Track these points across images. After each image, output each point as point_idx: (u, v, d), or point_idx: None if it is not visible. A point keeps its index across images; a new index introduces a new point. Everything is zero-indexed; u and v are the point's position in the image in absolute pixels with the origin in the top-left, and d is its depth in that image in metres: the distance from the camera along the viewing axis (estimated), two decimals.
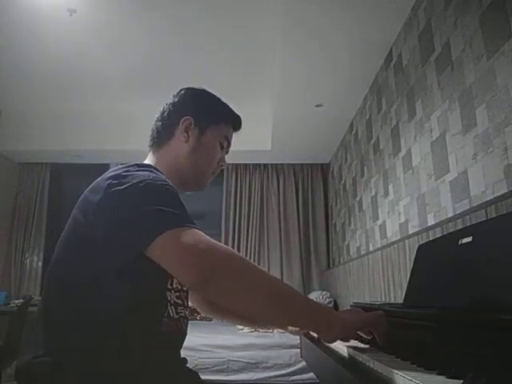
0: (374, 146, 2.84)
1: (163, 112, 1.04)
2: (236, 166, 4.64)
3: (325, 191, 4.62)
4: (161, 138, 1.02)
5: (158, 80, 3.49)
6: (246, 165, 4.64)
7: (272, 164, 4.66)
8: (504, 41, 1.35)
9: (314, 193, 4.63)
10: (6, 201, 4.47)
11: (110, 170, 0.88)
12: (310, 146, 4.17)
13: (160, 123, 1.03)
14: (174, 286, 0.89)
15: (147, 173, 0.83)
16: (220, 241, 4.49)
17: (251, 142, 4.12)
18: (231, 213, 4.52)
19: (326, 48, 2.55)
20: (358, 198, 3.29)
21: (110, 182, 0.81)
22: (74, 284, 0.80)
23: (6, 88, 3.75)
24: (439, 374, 0.56)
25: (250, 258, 4.38)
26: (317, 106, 3.28)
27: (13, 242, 4.41)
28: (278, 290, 0.78)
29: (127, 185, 0.79)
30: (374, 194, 2.85)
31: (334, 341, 0.82)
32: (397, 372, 0.58)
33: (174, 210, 0.78)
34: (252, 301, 0.76)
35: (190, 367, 0.95)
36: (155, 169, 0.88)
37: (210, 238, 0.76)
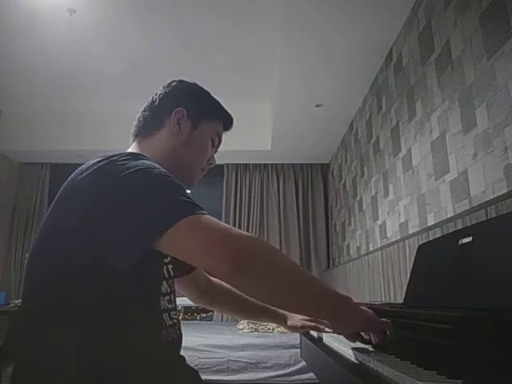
0: (374, 146, 2.84)
1: (152, 101, 0.97)
2: (236, 166, 4.64)
3: (325, 191, 4.62)
4: (148, 127, 0.94)
5: (159, 80, 3.46)
6: (246, 165, 4.64)
7: (272, 164, 4.66)
8: (504, 41, 1.35)
9: (314, 193, 4.63)
10: (6, 201, 4.46)
11: (98, 158, 0.77)
12: (309, 146, 4.17)
13: (148, 112, 0.96)
14: (163, 291, 0.82)
15: (143, 160, 0.76)
16: None
17: (251, 142, 4.13)
18: (231, 213, 4.51)
19: (326, 48, 2.55)
20: (357, 198, 3.29)
21: (105, 168, 0.73)
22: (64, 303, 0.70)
23: (6, 88, 3.75)
24: (439, 373, 0.56)
25: None
26: (317, 105, 3.28)
27: (13, 242, 4.40)
28: (309, 280, 0.77)
29: (127, 171, 0.71)
30: (373, 194, 2.85)
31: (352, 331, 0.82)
32: (397, 372, 0.58)
33: (186, 197, 0.72)
34: (288, 289, 0.73)
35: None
36: (146, 157, 0.79)
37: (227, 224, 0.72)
